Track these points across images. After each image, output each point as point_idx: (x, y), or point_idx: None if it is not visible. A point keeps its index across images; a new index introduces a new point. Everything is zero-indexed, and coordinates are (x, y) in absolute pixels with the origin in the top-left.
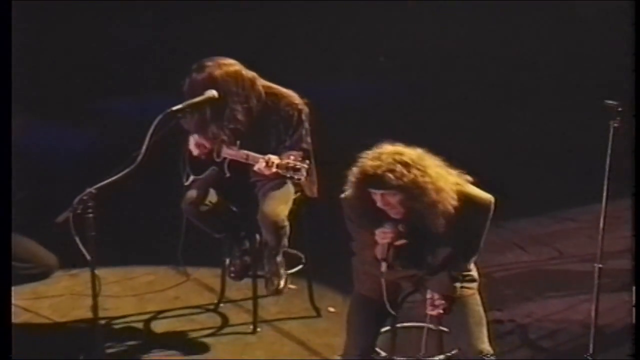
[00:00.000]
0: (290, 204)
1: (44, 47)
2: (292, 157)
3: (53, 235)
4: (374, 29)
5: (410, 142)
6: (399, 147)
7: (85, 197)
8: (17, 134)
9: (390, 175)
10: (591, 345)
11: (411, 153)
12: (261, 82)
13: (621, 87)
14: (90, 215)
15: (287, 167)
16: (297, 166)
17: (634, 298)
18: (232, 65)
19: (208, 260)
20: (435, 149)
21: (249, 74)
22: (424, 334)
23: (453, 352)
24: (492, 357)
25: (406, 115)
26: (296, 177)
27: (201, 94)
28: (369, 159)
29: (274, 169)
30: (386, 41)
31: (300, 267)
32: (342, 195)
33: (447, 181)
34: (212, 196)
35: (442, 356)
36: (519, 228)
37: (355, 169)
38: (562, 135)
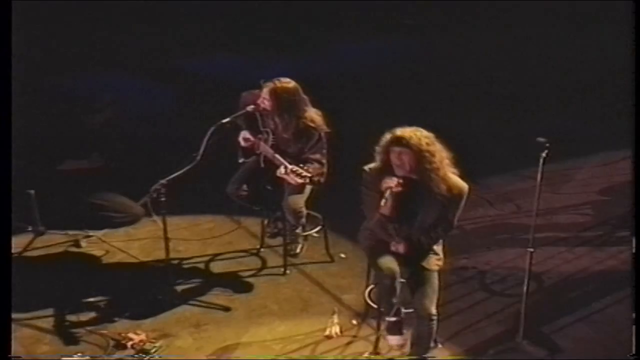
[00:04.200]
0: (308, 191)
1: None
2: (304, 167)
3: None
4: None
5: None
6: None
7: (158, 187)
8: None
9: (410, 138)
10: (525, 288)
11: (427, 133)
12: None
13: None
14: (163, 199)
15: (296, 174)
16: (303, 174)
17: (634, 297)
18: (293, 84)
19: (254, 211)
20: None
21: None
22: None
23: (410, 311)
24: (436, 317)
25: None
26: (301, 181)
27: (269, 100)
28: (397, 130)
29: (289, 173)
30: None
31: (319, 227)
32: (366, 167)
33: (447, 160)
34: (250, 180)
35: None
36: (490, 185)
37: (384, 138)
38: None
